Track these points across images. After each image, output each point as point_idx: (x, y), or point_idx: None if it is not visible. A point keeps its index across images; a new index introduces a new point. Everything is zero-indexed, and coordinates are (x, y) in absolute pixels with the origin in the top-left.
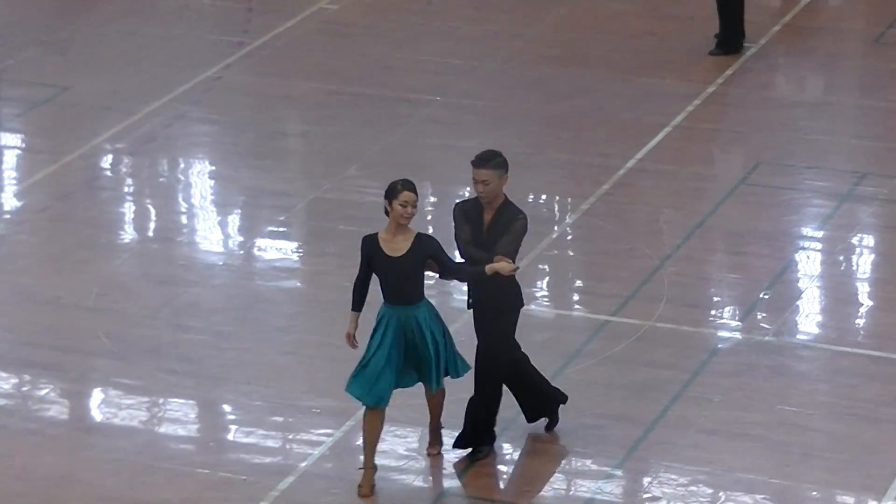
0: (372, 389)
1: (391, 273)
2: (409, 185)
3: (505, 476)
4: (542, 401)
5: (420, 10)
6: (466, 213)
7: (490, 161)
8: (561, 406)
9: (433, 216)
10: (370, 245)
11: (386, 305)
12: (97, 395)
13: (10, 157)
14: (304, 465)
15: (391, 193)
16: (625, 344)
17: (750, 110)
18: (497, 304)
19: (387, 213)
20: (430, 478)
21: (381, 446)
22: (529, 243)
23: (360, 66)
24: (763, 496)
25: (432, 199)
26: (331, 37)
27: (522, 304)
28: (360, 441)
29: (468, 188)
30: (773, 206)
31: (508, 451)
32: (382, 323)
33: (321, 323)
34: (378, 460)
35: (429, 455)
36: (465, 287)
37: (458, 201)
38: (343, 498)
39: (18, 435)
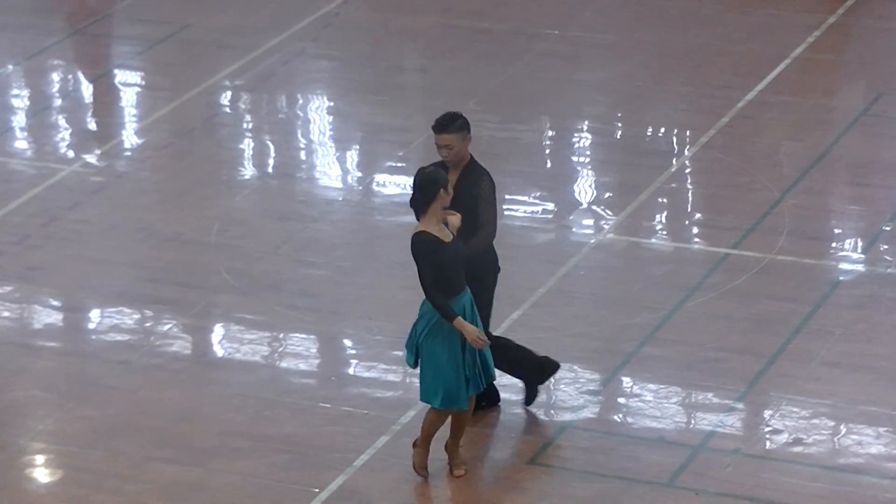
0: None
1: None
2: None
3: (624, 409)
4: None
5: None
6: None
7: (450, 125)
8: (680, 340)
9: (551, 150)
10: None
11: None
12: (219, 331)
13: (131, 95)
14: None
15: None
16: (745, 277)
17: (872, 40)
18: (477, 272)
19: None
20: (552, 411)
21: (503, 379)
22: (648, 175)
23: (479, 0)
24: (886, 429)
25: (550, 133)
26: None
27: (499, 269)
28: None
29: (587, 122)
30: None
31: (628, 383)
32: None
33: None
34: (500, 394)
35: (458, 477)
36: None
37: (421, 166)
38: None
39: (142, 370)
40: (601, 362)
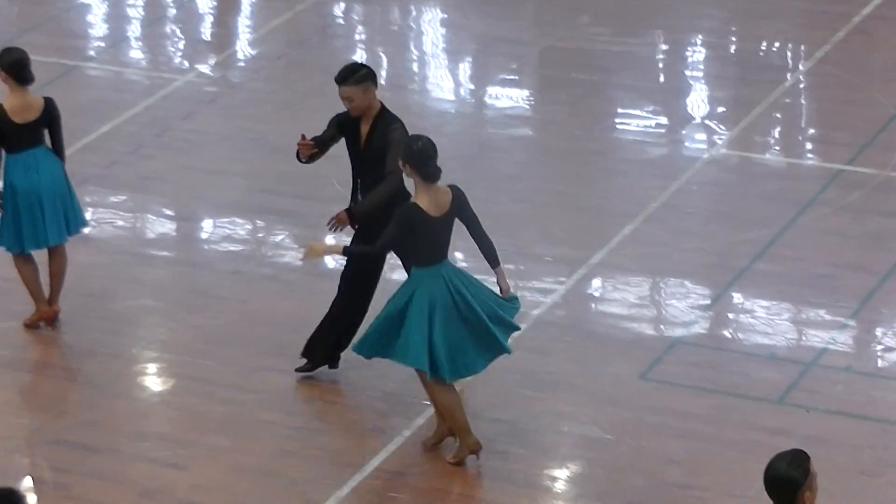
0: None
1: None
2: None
3: (735, 325)
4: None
5: None
6: (341, 125)
7: (349, 77)
8: (792, 256)
9: (664, 64)
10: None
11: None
12: (331, 241)
13: (246, 6)
14: (536, 312)
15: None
16: (859, 194)
17: None
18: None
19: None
20: (662, 326)
21: (613, 294)
22: (762, 90)
23: None
24: None
25: (664, 48)
26: None
27: None
28: (590, 290)
29: (701, 36)
30: None
31: (739, 299)
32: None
33: (552, 171)
34: (608, 308)
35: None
36: None
37: (338, 113)
38: (575, 345)
39: (255, 280)
40: (712, 277)
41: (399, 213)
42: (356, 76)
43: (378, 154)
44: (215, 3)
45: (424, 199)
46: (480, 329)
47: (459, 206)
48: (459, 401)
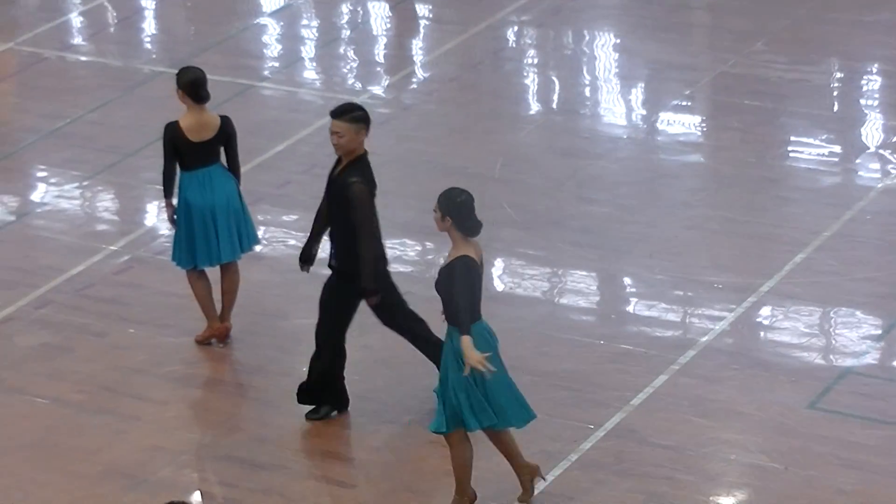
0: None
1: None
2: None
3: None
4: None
5: None
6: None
7: (345, 114)
8: None
9: (839, 92)
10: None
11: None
12: (500, 265)
13: (420, 29)
14: (704, 339)
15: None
16: None
17: None
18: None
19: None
20: (832, 356)
21: (783, 322)
22: None
23: None
24: None
25: (838, 76)
26: None
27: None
28: (760, 318)
29: (877, 64)
30: None
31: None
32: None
33: (724, 198)
34: (778, 336)
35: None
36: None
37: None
38: (743, 372)
39: (424, 301)
40: (885, 308)
41: (462, 269)
42: (353, 114)
43: (336, 198)
44: (389, 26)
45: (470, 250)
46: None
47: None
48: (471, 456)
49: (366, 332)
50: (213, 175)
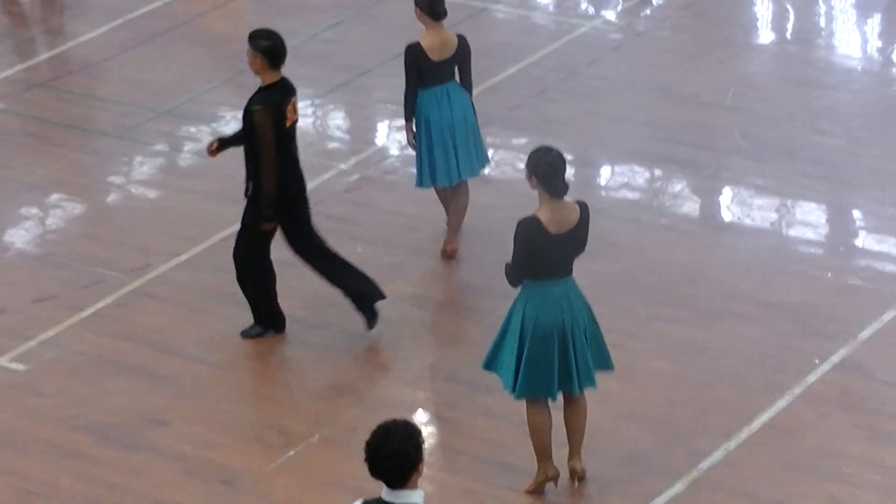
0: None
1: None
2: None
3: None
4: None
5: None
6: None
7: (251, 39)
8: None
9: None
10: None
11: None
12: (729, 194)
13: None
14: None
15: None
16: None
17: None
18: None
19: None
20: None
21: None
22: None
23: None
24: None
25: None
26: None
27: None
28: None
29: None
30: None
31: None
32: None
33: None
34: None
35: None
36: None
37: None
38: None
39: (652, 229)
40: None
41: (520, 227)
42: (254, 41)
43: (243, 122)
44: None
45: (546, 213)
46: (571, 359)
47: (585, 226)
48: (547, 424)
49: None
50: (451, 91)
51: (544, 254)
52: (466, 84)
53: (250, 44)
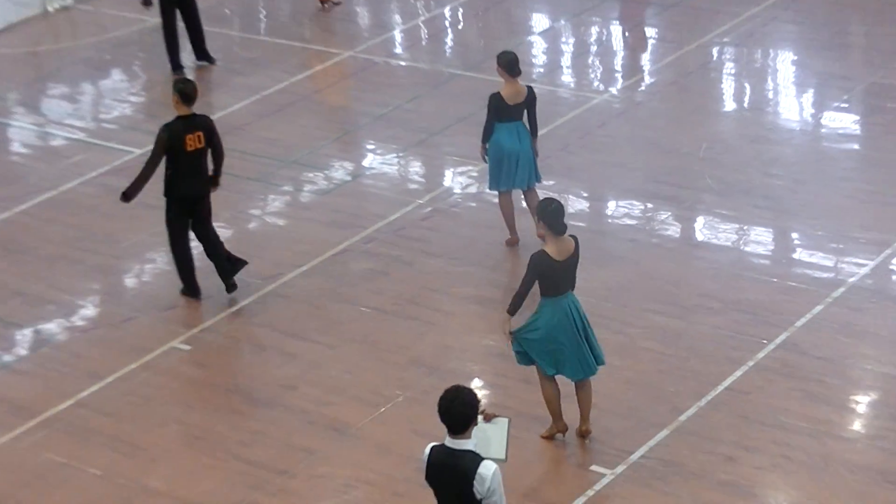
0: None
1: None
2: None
3: None
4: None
5: None
6: None
7: (174, 84)
8: None
9: None
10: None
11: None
12: (701, 221)
13: (648, 45)
14: (852, 279)
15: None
16: None
17: None
18: None
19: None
20: None
21: None
22: None
23: None
24: None
25: None
26: None
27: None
28: (894, 265)
29: None
30: None
31: None
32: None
33: (877, 174)
34: None
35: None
36: None
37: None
38: (880, 305)
39: (645, 247)
40: None
41: (533, 258)
42: (174, 85)
43: None
44: (625, 44)
45: (552, 247)
46: (581, 351)
47: (578, 250)
48: (556, 394)
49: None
50: (520, 129)
51: (554, 275)
52: (532, 122)
53: (173, 87)
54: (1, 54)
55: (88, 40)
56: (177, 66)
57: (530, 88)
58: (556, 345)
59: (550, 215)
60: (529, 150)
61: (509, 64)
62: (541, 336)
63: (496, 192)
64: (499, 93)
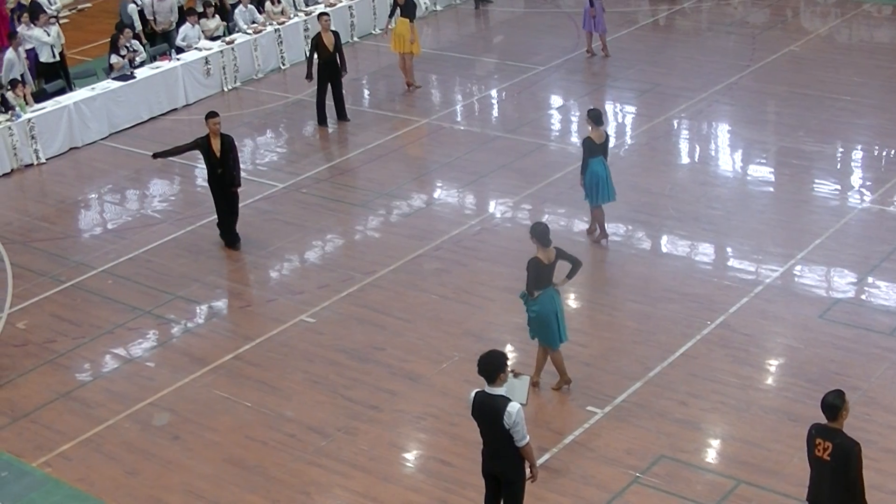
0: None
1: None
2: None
3: None
4: None
5: None
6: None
7: (218, 115)
8: None
9: None
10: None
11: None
12: (665, 238)
13: (629, 119)
14: (767, 280)
15: None
16: None
17: None
18: None
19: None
20: (825, 292)
21: (805, 278)
22: None
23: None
24: None
25: (841, 150)
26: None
27: None
28: (795, 274)
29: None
30: None
31: None
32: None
33: (784, 208)
34: (802, 281)
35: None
36: None
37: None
38: (788, 302)
39: (625, 255)
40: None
41: (531, 262)
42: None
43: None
44: (612, 117)
45: (542, 255)
46: (561, 324)
47: (559, 256)
48: (561, 358)
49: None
50: (604, 161)
51: (543, 274)
52: (605, 155)
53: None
54: (191, 119)
55: (250, 110)
56: (322, 121)
57: (607, 133)
58: (551, 318)
59: (540, 233)
60: (608, 177)
61: (597, 116)
62: (539, 310)
63: (588, 205)
64: (589, 137)
